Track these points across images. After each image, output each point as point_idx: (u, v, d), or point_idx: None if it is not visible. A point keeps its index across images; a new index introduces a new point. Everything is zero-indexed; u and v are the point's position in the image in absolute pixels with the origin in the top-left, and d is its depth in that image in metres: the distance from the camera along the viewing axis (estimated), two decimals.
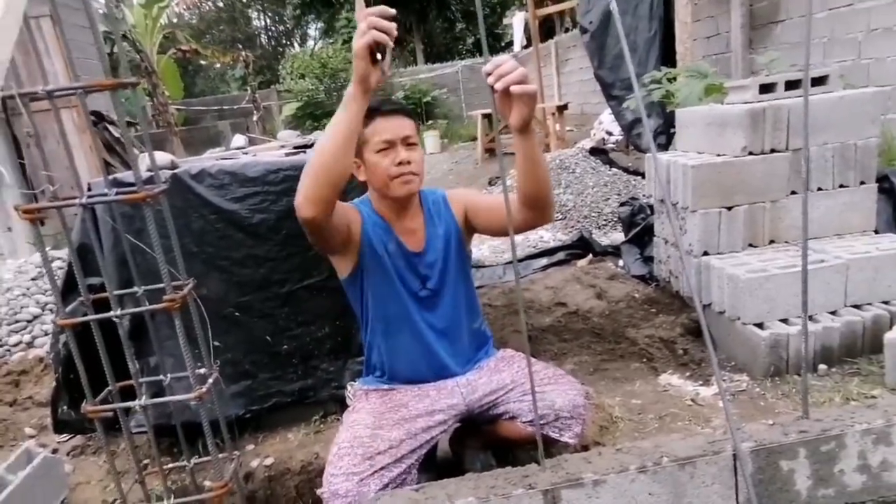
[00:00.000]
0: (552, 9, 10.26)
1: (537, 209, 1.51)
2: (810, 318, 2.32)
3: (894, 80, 4.13)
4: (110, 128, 6.61)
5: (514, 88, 1.26)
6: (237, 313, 2.27)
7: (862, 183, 2.65)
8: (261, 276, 2.27)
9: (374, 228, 1.63)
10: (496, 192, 5.58)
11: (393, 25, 1.24)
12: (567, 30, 12.99)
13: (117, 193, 1.26)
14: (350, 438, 1.51)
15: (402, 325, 1.67)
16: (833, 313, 2.31)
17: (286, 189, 2.23)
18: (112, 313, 1.25)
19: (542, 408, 1.54)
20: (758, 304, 2.30)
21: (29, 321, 3.46)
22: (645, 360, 2.53)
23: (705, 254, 2.62)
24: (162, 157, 2.34)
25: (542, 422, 1.55)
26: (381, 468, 1.45)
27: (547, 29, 13.34)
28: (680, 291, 2.92)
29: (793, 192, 2.63)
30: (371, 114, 1.54)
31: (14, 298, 3.57)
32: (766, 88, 2.64)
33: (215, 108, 14.62)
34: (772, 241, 2.66)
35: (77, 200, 1.17)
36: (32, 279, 3.72)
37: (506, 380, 1.66)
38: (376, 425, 1.55)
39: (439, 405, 1.63)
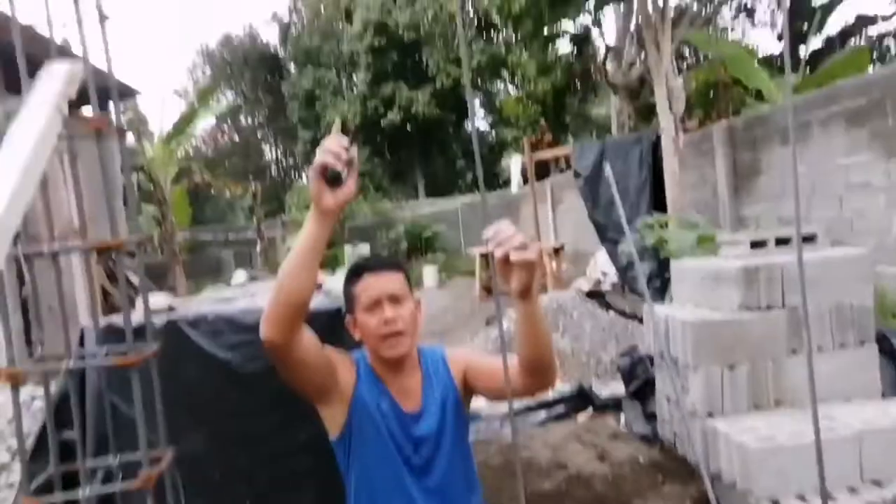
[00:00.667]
0: (548, 154, 10.89)
1: (538, 375, 1.47)
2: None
3: (877, 233, 4.27)
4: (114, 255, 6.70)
5: (513, 256, 1.25)
6: (219, 475, 2.14)
7: (862, 343, 2.63)
8: (247, 432, 2.17)
9: (369, 385, 1.57)
10: (494, 334, 5.55)
11: (343, 152, 1.28)
12: (562, 170, 13.69)
13: (107, 342, 1.24)
14: None
15: (390, 495, 1.55)
16: (853, 491, 2.17)
17: None
18: (80, 494, 1.17)
19: None
20: (770, 479, 2.18)
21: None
22: None
23: (710, 415, 2.53)
24: (159, 300, 2.34)
25: None
26: None
27: (542, 169, 14.07)
28: (686, 456, 2.77)
29: (793, 351, 2.60)
30: (359, 271, 1.56)
31: None
32: (757, 245, 2.70)
33: (221, 236, 15.03)
34: (777, 402, 2.59)
35: (64, 363, 1.14)
36: (9, 421, 3.56)
37: None
38: None
39: None
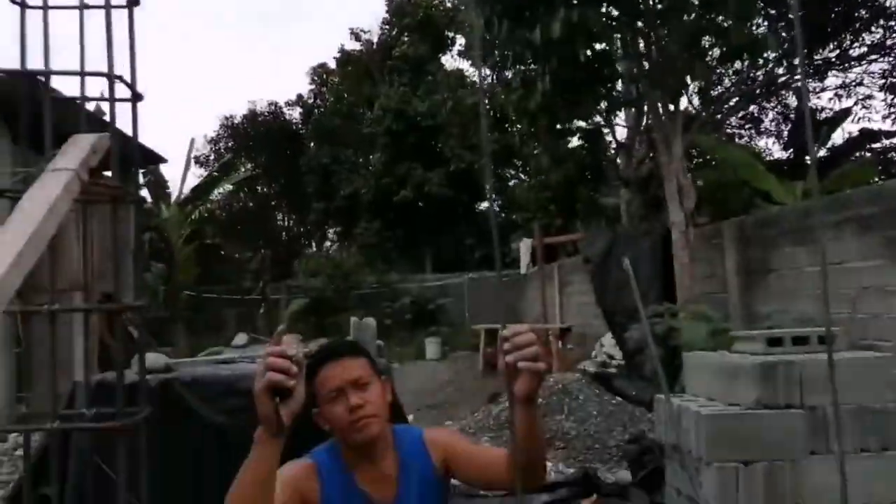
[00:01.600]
0: (557, 239, 11.01)
1: (527, 474, 1.40)
2: None
3: (893, 336, 4.18)
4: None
5: (522, 365, 1.20)
6: None
7: (885, 449, 2.51)
8: None
9: (336, 487, 1.48)
10: (496, 411, 5.38)
11: (290, 365, 1.16)
12: (569, 255, 13.78)
13: (99, 398, 1.18)
14: None
15: None
16: None
17: None
18: None
19: None
20: None
21: None
22: None
23: None
24: (156, 359, 2.29)
25: None
26: None
27: (551, 251, 14.16)
28: None
29: (812, 453, 2.48)
30: (313, 368, 1.46)
31: None
32: (773, 342, 2.64)
33: (226, 296, 15.00)
34: None
35: (48, 425, 1.08)
36: None
37: None
38: None
39: None
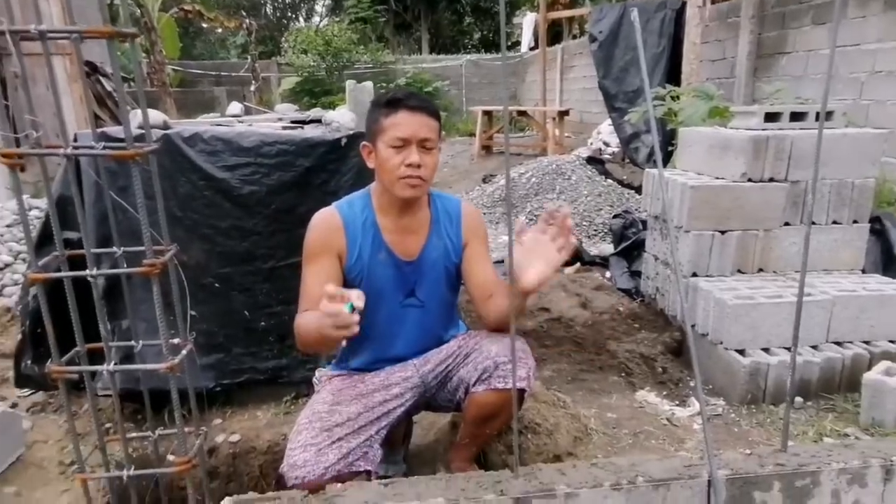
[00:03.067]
0: (563, 13, 10.25)
1: (504, 327, 1.55)
2: (787, 349, 2.33)
3: (893, 123, 4.17)
4: (103, 80, 6.44)
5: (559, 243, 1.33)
6: (217, 284, 2.21)
7: (855, 222, 2.67)
8: (244, 249, 2.21)
9: (364, 236, 1.54)
10: (490, 190, 5.55)
11: (351, 322, 1.23)
12: (574, 36, 12.99)
13: (105, 148, 1.20)
14: (309, 415, 1.47)
15: (381, 326, 1.61)
16: (814, 348, 2.32)
17: (280, 163, 2.18)
18: (87, 272, 1.20)
19: (482, 360, 1.52)
20: (741, 331, 2.30)
21: (7, 265, 3.36)
22: (623, 374, 2.52)
23: (694, 275, 2.62)
24: (154, 115, 2.27)
25: (485, 375, 1.51)
26: (339, 438, 1.42)
27: (554, 34, 13.32)
28: (665, 309, 2.91)
29: (786, 224, 2.64)
30: (394, 105, 1.46)
31: None
32: (771, 117, 2.63)
33: (213, 73, 14.38)
34: (760, 270, 2.67)
35: (61, 150, 1.11)
36: (7, 226, 3.61)
37: (453, 347, 1.62)
38: (334, 401, 1.51)
39: (394, 378, 1.59)
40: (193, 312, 2.21)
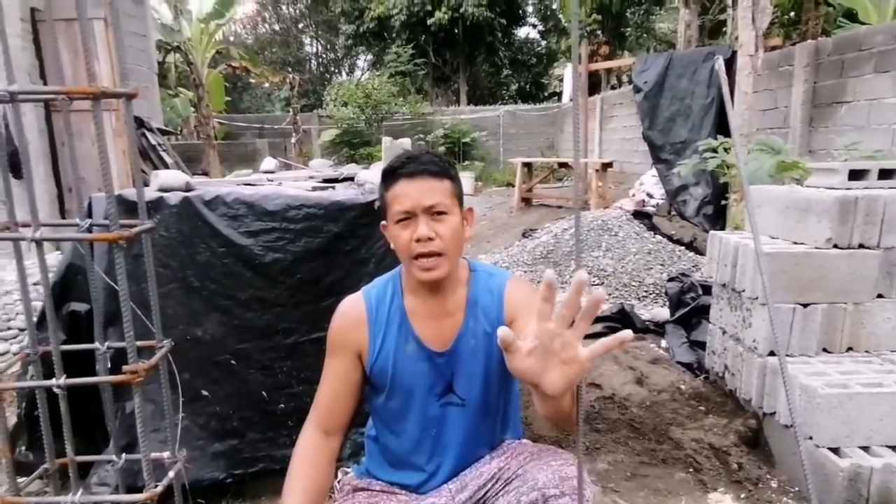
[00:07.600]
0: (604, 65, 10.16)
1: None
2: (892, 449, 1.96)
3: None
4: (148, 135, 6.55)
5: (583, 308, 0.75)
6: (233, 361, 1.99)
7: None
8: (265, 323, 2.00)
9: (390, 325, 1.31)
10: (530, 246, 5.28)
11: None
12: (613, 87, 12.88)
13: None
14: None
15: (414, 431, 1.34)
16: None
17: (306, 228, 1.99)
18: (54, 381, 0.99)
19: (526, 491, 1.17)
20: (836, 426, 1.95)
21: (21, 330, 3.24)
22: (692, 469, 2.17)
23: (772, 354, 2.28)
24: (176, 177, 2.12)
25: None
26: None
27: (592, 84, 13.25)
28: (736, 391, 2.56)
29: (879, 296, 2.29)
30: (391, 175, 1.24)
31: (11, 303, 3.36)
32: (856, 175, 2.33)
33: (257, 125, 14.76)
34: (849, 349, 2.32)
35: (28, 234, 0.92)
36: (34, 284, 3.52)
37: (493, 468, 1.30)
38: None
39: None
40: (206, 392, 1.99)
